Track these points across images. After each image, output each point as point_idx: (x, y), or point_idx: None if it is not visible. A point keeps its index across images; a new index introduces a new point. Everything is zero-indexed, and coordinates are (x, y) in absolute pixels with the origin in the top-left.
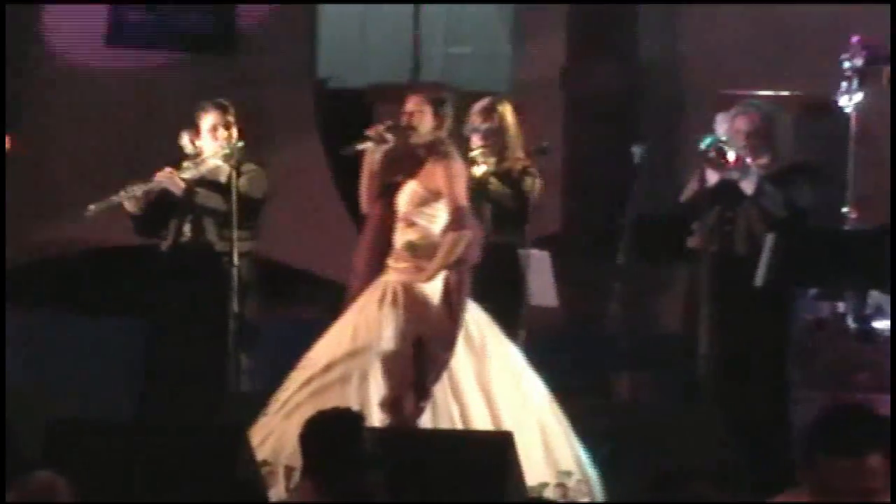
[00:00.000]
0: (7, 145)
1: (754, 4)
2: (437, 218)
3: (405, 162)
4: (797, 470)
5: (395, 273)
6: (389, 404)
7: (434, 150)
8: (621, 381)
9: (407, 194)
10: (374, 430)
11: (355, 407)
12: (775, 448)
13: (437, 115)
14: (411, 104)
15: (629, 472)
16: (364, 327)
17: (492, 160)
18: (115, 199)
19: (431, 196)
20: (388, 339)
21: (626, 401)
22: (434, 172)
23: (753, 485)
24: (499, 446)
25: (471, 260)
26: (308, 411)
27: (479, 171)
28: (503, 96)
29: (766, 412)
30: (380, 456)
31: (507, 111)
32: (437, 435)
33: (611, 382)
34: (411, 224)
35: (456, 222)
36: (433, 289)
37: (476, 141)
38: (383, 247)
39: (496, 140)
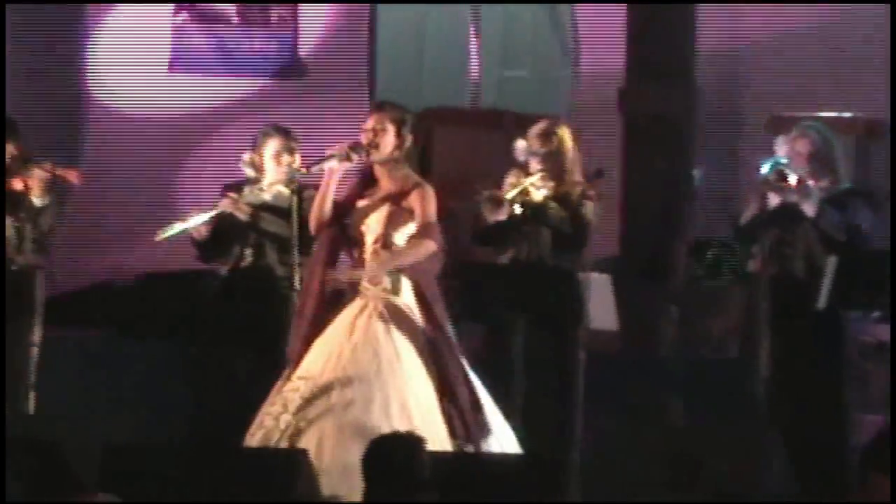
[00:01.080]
0: (75, 179)
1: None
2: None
3: (363, 181)
4: (852, 491)
5: (372, 293)
6: (469, 420)
7: (397, 170)
8: (678, 405)
9: (382, 215)
10: (431, 453)
11: (384, 428)
12: (832, 470)
13: (399, 135)
14: (374, 122)
15: (687, 495)
16: (365, 349)
17: (550, 184)
18: (182, 225)
19: (408, 216)
20: (401, 357)
21: (684, 424)
22: (407, 193)
23: None
24: (546, 470)
25: (432, 271)
26: (327, 430)
27: (538, 195)
28: (560, 120)
29: (823, 435)
30: (435, 479)
31: (565, 134)
32: (487, 458)
33: (668, 405)
34: (387, 245)
35: (422, 234)
36: (410, 303)
37: (534, 165)
38: (336, 266)
39: (554, 164)
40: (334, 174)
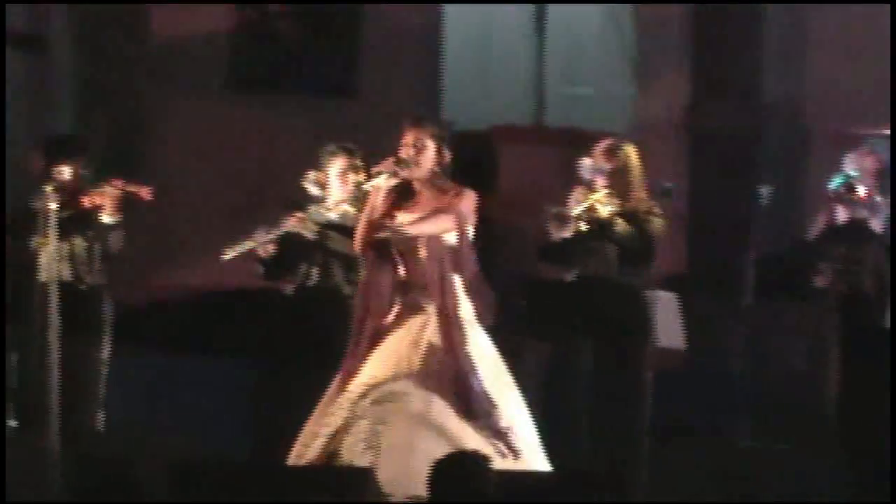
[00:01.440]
0: (146, 196)
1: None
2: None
3: (405, 196)
4: None
5: (432, 310)
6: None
7: (436, 184)
8: (746, 423)
9: (437, 228)
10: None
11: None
12: None
13: (440, 152)
14: (413, 138)
15: None
16: (433, 359)
17: (616, 201)
18: (249, 243)
19: (454, 228)
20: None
21: (752, 443)
22: (451, 201)
23: None
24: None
25: (467, 273)
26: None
27: (604, 211)
28: (625, 137)
29: (892, 452)
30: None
31: (631, 152)
32: (553, 476)
33: (736, 424)
34: (442, 258)
35: (446, 212)
36: (467, 312)
37: (599, 182)
38: (391, 282)
39: (620, 181)
40: (380, 191)
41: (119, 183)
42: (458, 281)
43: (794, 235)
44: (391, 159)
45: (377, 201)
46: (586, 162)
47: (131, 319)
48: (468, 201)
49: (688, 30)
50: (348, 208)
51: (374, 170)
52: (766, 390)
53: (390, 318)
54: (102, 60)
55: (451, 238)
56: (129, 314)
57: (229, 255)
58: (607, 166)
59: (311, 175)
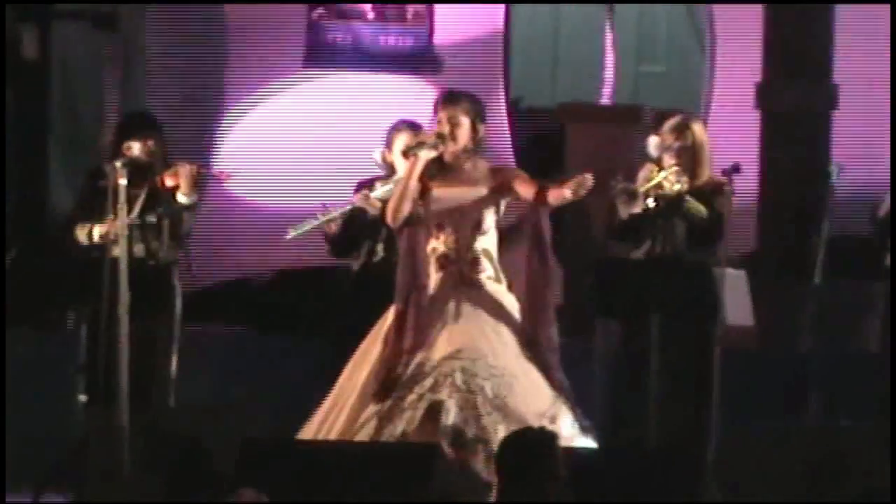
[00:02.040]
0: (224, 178)
1: None
2: (496, 223)
3: (440, 169)
4: None
5: (470, 280)
6: None
7: (473, 159)
8: (818, 402)
9: (476, 201)
10: (565, 448)
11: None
12: None
13: (474, 128)
14: (450, 114)
15: (828, 496)
16: (476, 329)
17: (685, 178)
18: (314, 221)
19: (498, 201)
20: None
21: (823, 422)
22: (503, 179)
23: None
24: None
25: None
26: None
27: (673, 188)
28: (694, 114)
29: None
30: (569, 474)
31: (699, 128)
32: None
33: (807, 403)
34: (484, 231)
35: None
36: (505, 290)
37: (668, 160)
38: (427, 256)
39: (688, 158)
40: (419, 163)
41: (195, 166)
42: (494, 256)
43: (866, 215)
44: (431, 133)
45: (415, 174)
46: (653, 140)
47: (203, 296)
48: (509, 172)
49: (760, 6)
50: None
51: (414, 141)
52: (836, 369)
53: (432, 292)
54: (176, 37)
55: (493, 210)
56: (201, 290)
57: (292, 233)
58: (676, 143)
59: (378, 153)
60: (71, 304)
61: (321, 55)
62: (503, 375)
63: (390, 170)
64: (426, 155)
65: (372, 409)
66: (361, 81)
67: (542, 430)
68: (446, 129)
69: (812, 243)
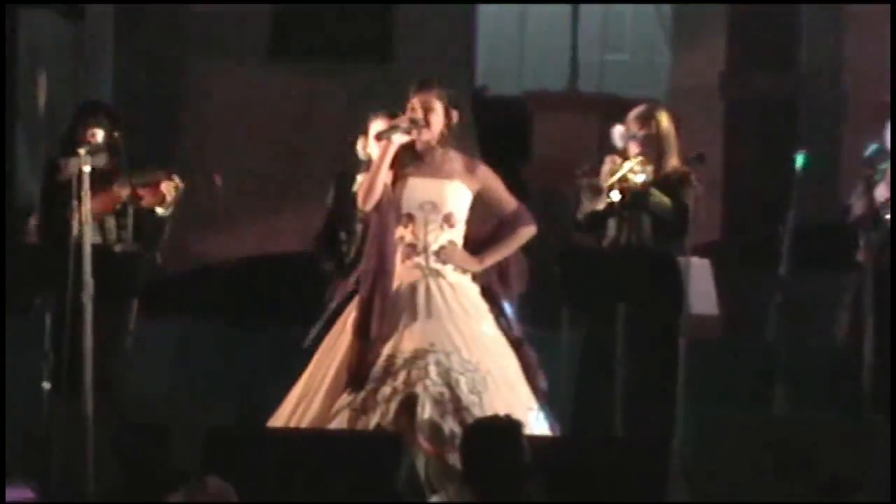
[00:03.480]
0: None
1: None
2: (465, 218)
3: (413, 158)
4: None
5: (435, 271)
6: None
7: (446, 148)
8: (783, 393)
9: (446, 191)
10: (532, 437)
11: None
12: None
13: (447, 114)
14: (421, 101)
15: (793, 486)
16: (439, 322)
17: (649, 168)
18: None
19: (470, 196)
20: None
21: (788, 413)
22: (468, 170)
23: None
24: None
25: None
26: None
27: (638, 179)
28: (659, 103)
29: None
30: (538, 465)
31: (664, 118)
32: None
33: (772, 393)
34: (451, 222)
35: (525, 217)
36: (469, 282)
37: (633, 149)
38: (395, 243)
39: (653, 148)
40: (391, 147)
41: (174, 183)
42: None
43: (833, 206)
44: (404, 118)
45: (386, 158)
46: (618, 129)
47: (170, 286)
48: (500, 181)
49: None
50: None
51: (386, 125)
52: (802, 360)
53: (397, 281)
54: (142, 28)
55: (465, 204)
56: (167, 280)
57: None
58: (640, 132)
59: (360, 143)
60: (36, 291)
61: (285, 45)
62: (478, 370)
63: (369, 160)
64: (399, 139)
65: (345, 399)
66: (326, 70)
67: (507, 417)
68: (420, 114)
69: (777, 233)
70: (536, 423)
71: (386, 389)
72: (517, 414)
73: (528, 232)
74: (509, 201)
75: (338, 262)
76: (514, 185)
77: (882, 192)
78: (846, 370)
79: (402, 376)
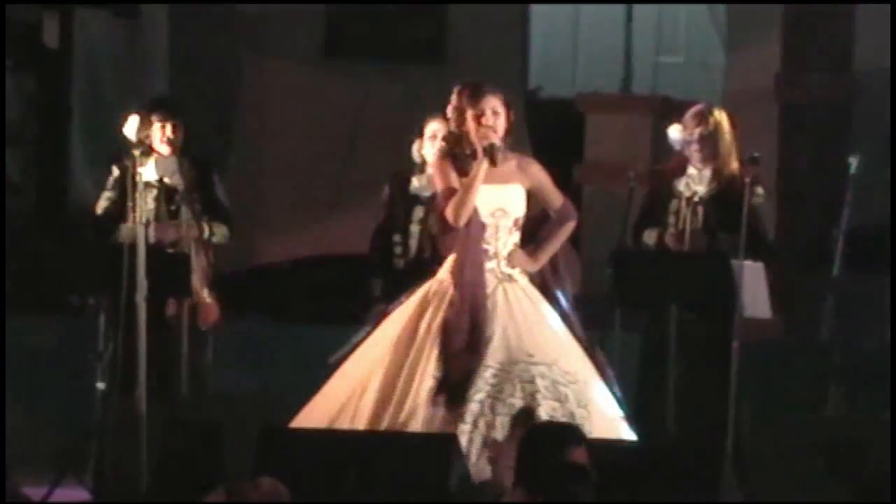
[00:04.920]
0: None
1: None
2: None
3: (464, 164)
4: None
5: (508, 276)
6: None
7: (505, 152)
8: (836, 394)
9: (518, 197)
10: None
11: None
12: None
13: (509, 118)
14: (492, 105)
15: (844, 486)
16: (532, 341)
17: (708, 168)
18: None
19: (525, 195)
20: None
21: (842, 413)
22: (522, 169)
23: None
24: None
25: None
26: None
27: (699, 188)
28: (715, 104)
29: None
30: (591, 469)
31: (722, 117)
32: (642, 445)
33: (826, 395)
34: (519, 227)
35: (572, 211)
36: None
37: (689, 149)
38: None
39: (711, 147)
40: (485, 163)
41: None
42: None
43: (885, 206)
44: (489, 131)
45: (481, 174)
46: (675, 127)
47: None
48: (536, 168)
49: None
50: None
51: (483, 142)
52: (855, 361)
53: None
54: (196, 28)
55: (525, 205)
56: (222, 279)
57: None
58: (697, 130)
59: (415, 144)
60: (90, 291)
61: (341, 45)
62: (577, 381)
63: (423, 162)
64: (501, 156)
65: (437, 409)
66: (381, 71)
67: (567, 424)
68: (491, 120)
69: (832, 235)
70: (628, 432)
71: (496, 403)
72: (617, 423)
73: (572, 225)
74: (557, 196)
75: (388, 267)
76: (566, 187)
77: None
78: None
79: (508, 388)
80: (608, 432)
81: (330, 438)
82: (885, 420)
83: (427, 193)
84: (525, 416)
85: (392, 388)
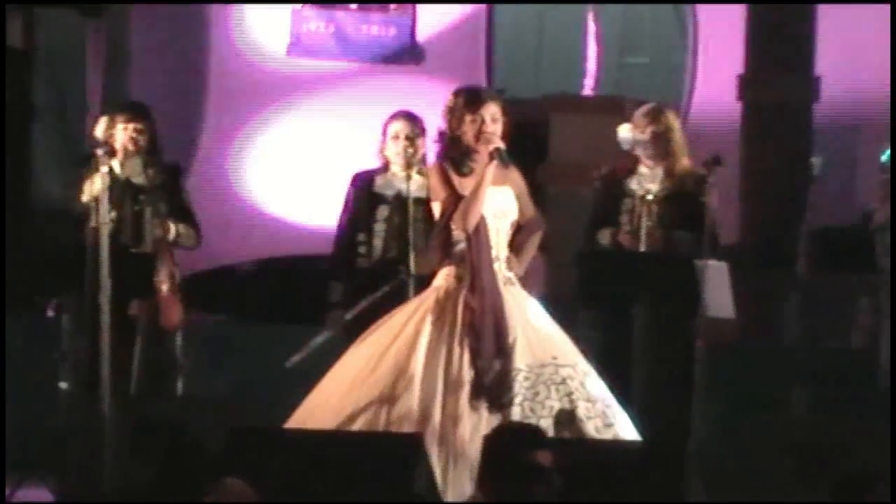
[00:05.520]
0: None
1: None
2: None
3: (475, 171)
4: None
5: (508, 279)
6: None
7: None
8: (800, 394)
9: (511, 200)
10: (554, 441)
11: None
12: None
13: (505, 124)
14: (491, 111)
15: (810, 488)
16: (552, 344)
17: (660, 167)
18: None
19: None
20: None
21: (806, 414)
22: (515, 179)
23: None
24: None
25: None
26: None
27: (654, 187)
28: (664, 103)
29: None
30: (555, 470)
31: (671, 116)
32: (606, 446)
33: (790, 395)
34: (513, 229)
35: (541, 220)
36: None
37: (640, 150)
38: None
39: (662, 146)
40: (492, 168)
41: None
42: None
43: (861, 215)
44: (492, 136)
45: (488, 179)
46: (626, 125)
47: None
48: (517, 175)
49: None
50: (417, 177)
51: (492, 148)
52: (819, 363)
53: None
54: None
55: (518, 212)
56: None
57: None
58: (648, 129)
59: (378, 145)
60: (54, 291)
61: (304, 44)
62: (594, 380)
63: (386, 161)
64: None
65: (483, 415)
66: (344, 71)
67: (529, 425)
68: (492, 127)
69: (794, 236)
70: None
71: (531, 405)
72: (625, 424)
73: (540, 234)
74: (531, 206)
75: (351, 267)
76: (531, 188)
77: None
78: (863, 373)
79: (542, 391)
80: (628, 429)
81: (297, 439)
82: (846, 422)
83: (391, 192)
84: (567, 418)
85: (431, 397)
